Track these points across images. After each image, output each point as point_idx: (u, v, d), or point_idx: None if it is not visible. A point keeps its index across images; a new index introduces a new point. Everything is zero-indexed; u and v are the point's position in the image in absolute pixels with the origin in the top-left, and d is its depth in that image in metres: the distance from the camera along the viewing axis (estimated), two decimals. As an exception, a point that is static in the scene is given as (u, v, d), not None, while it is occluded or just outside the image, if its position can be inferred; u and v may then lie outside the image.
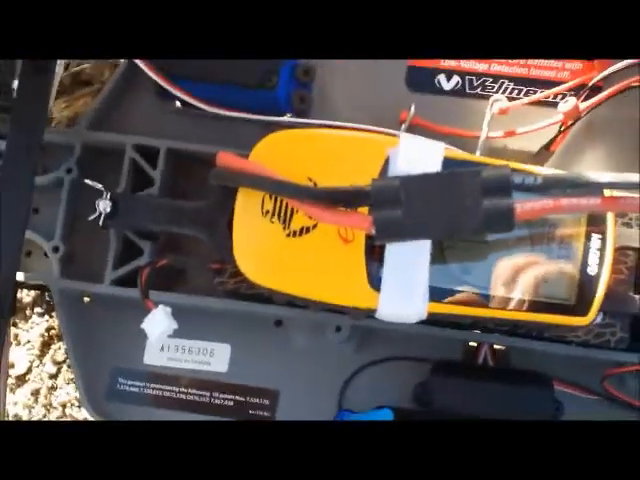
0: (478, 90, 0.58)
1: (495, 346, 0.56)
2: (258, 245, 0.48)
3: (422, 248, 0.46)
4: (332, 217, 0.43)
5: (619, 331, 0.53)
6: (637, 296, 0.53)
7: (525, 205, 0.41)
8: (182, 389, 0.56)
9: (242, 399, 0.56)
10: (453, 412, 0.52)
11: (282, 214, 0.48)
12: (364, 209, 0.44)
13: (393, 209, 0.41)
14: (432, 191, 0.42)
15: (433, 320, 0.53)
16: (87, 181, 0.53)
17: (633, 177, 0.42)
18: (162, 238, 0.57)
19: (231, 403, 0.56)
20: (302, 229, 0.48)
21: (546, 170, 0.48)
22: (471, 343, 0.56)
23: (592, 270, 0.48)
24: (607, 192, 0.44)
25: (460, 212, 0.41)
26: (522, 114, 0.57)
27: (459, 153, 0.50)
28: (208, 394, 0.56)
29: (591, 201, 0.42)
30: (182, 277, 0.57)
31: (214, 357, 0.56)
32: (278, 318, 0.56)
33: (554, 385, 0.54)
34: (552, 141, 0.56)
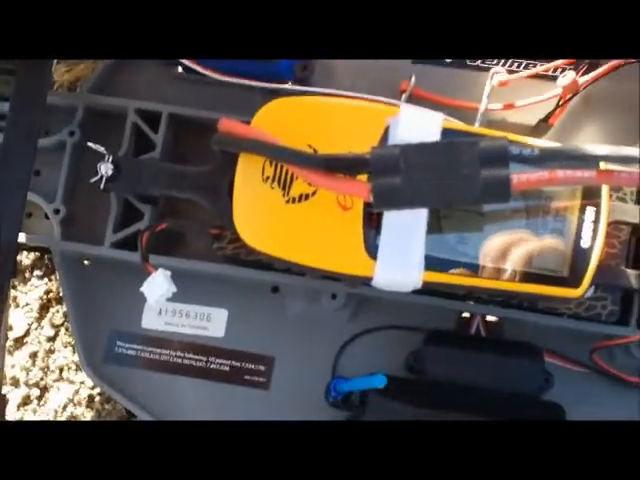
0: (478, 62, 0.59)
1: (488, 317, 0.57)
2: (257, 210, 0.49)
3: (419, 217, 0.47)
4: (331, 183, 0.44)
5: (610, 304, 0.54)
6: (629, 270, 0.53)
7: (522, 176, 0.42)
8: (179, 353, 0.57)
9: (238, 364, 0.57)
10: (445, 380, 0.53)
11: (282, 180, 0.48)
12: (363, 177, 0.44)
13: (392, 177, 0.42)
14: (431, 160, 0.42)
15: (427, 289, 0.54)
16: (89, 144, 0.53)
17: (630, 150, 0.43)
18: (162, 202, 0.57)
19: (227, 368, 0.57)
20: (301, 196, 0.48)
21: (543, 142, 0.49)
22: (464, 314, 0.57)
23: (585, 243, 0.48)
24: (603, 165, 0.44)
25: (458, 181, 0.42)
26: (521, 87, 0.57)
27: (458, 124, 0.50)
28: (205, 359, 0.57)
29: (586, 174, 0.43)
30: (182, 242, 0.58)
31: (211, 322, 0.57)
32: (275, 284, 0.57)
33: (545, 357, 0.55)
34: (550, 114, 0.56)
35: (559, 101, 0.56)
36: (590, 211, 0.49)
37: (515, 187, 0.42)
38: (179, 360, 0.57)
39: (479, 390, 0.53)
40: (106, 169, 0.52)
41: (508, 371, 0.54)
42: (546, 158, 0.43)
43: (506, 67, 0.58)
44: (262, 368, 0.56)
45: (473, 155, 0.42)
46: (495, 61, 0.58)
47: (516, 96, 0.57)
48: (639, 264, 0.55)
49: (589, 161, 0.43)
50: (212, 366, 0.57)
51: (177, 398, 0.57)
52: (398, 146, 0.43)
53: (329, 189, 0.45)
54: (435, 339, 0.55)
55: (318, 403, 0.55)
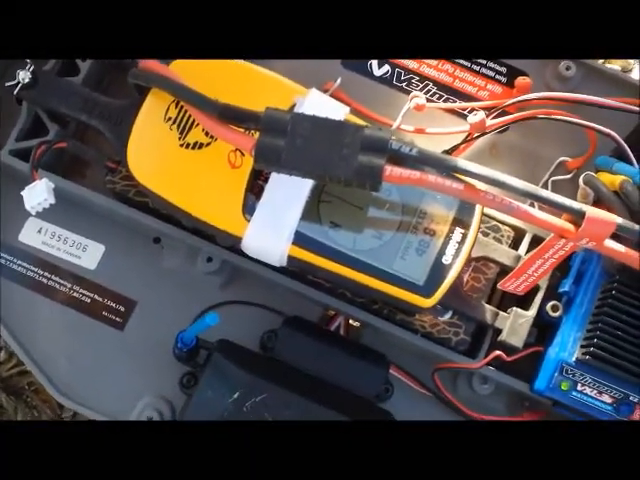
0: (404, 84, 0.62)
1: (350, 322, 0.59)
2: (150, 147, 0.50)
3: (300, 192, 0.49)
4: (221, 130, 0.46)
5: (462, 333, 0.57)
6: (487, 305, 0.56)
7: (395, 169, 0.44)
8: (46, 273, 0.57)
9: (100, 299, 0.57)
10: (289, 362, 0.55)
11: (182, 124, 0.50)
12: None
13: (277, 138, 0.44)
14: (317, 133, 0.44)
15: (298, 276, 0.56)
16: None
17: (502, 176, 0.46)
18: (72, 128, 0.58)
19: (88, 300, 0.57)
20: (196, 143, 0.50)
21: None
22: (330, 312, 0.59)
23: (447, 260, 0.51)
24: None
25: (336, 159, 0.44)
26: (436, 118, 0.61)
27: (361, 122, 0.53)
28: (69, 285, 0.57)
29: (454, 185, 0.45)
30: (79, 171, 0.59)
31: (86, 253, 0.58)
32: (157, 234, 0.58)
33: (391, 369, 0.57)
34: (455, 148, 0.59)
35: (466, 137, 0.59)
36: (458, 233, 0.52)
37: (386, 178, 0.44)
38: (44, 280, 0.57)
39: (318, 380, 0.55)
40: (24, 76, 0.54)
41: (352, 371, 0.56)
42: (423, 160, 0.45)
43: (427, 96, 0.61)
44: (122, 309, 0.57)
45: (356, 138, 0.44)
46: (419, 87, 0.62)
47: (429, 124, 0.60)
48: (500, 306, 0.57)
49: (462, 174, 0.46)
50: (74, 294, 0.57)
51: (33, 316, 0.57)
52: (292, 113, 0.45)
53: (218, 135, 0.47)
54: (294, 323, 0.57)
55: (165, 356, 0.56)
